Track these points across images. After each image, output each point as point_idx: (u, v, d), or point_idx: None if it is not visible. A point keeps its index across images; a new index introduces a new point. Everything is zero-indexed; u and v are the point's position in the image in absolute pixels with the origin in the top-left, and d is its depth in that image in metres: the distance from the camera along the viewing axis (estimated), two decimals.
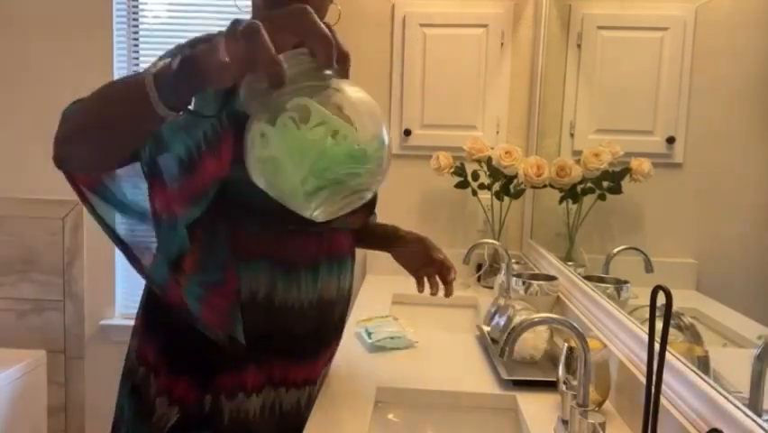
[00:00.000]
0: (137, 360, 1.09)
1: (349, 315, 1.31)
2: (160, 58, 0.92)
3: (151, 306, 1.11)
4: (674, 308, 0.81)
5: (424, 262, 1.38)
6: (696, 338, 1.12)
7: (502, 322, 1.52)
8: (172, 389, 1.04)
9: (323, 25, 0.70)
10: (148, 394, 1.05)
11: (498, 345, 1.35)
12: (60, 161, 0.89)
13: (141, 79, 0.74)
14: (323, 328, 1.14)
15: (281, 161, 0.69)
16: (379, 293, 2.08)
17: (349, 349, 1.52)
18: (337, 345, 1.23)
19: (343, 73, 0.73)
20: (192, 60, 0.72)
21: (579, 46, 2.02)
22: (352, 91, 0.72)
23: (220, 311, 0.98)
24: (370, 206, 1.24)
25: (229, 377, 1.03)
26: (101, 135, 0.84)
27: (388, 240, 1.41)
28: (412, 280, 1.42)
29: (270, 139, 0.69)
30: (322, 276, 1.09)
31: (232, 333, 0.98)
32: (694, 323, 1.14)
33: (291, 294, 1.06)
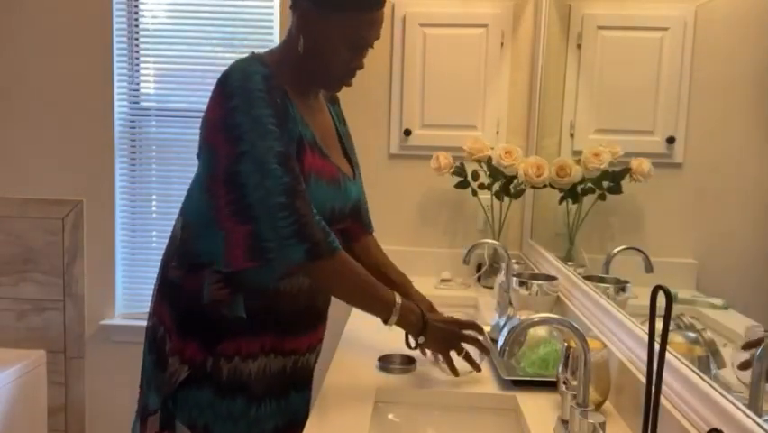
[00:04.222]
0: (158, 321, 1.29)
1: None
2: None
3: (163, 283, 1.31)
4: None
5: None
6: (711, 347, 1.09)
7: (502, 322, 1.52)
8: (183, 350, 1.24)
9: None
10: (164, 350, 1.26)
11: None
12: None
13: (389, 308, 1.24)
14: (308, 311, 1.34)
15: None
16: None
17: (349, 349, 1.53)
18: (323, 326, 1.41)
19: None
20: (433, 332, 1.29)
21: (579, 46, 2.02)
22: None
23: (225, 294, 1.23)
24: (354, 214, 1.40)
25: (228, 344, 1.24)
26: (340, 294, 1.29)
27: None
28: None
29: None
30: None
31: (234, 310, 1.22)
32: (695, 323, 1.14)
33: (282, 282, 1.26)
